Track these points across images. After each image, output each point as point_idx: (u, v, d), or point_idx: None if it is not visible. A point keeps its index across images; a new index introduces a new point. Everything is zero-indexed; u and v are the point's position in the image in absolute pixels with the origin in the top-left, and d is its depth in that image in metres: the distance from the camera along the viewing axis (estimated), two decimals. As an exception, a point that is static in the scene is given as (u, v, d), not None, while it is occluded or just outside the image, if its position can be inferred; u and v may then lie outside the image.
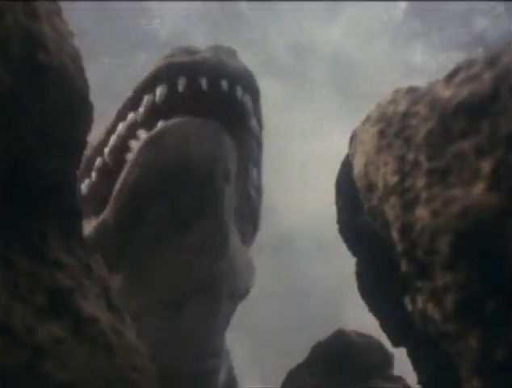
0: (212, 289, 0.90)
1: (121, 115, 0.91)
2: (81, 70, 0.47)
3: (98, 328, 0.41)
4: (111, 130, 0.92)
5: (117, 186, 0.83)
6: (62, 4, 0.47)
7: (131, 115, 0.89)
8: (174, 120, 0.81)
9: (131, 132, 0.88)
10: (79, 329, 0.40)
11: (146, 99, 0.87)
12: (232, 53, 0.92)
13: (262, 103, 0.95)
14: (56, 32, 0.43)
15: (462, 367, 0.43)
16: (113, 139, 0.91)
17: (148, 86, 0.88)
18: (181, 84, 0.86)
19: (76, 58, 0.46)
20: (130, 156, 0.84)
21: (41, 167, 0.44)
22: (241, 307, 1.01)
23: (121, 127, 0.90)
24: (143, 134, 0.85)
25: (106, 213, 0.85)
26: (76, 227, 0.49)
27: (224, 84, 0.86)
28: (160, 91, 0.86)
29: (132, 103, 0.90)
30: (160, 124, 0.82)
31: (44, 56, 0.40)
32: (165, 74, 0.87)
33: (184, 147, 0.79)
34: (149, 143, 0.81)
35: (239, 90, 0.88)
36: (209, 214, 0.85)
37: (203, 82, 0.86)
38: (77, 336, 0.39)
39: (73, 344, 0.38)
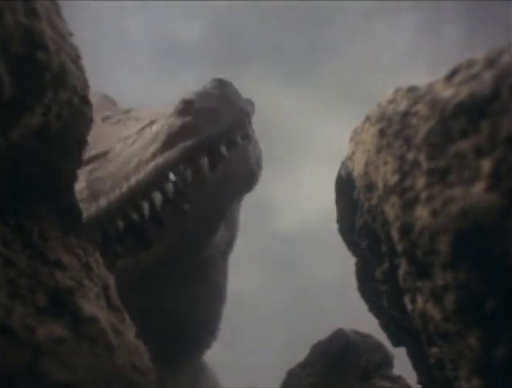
0: None
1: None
2: (81, 70, 0.47)
3: (98, 328, 0.41)
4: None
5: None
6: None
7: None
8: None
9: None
10: (79, 329, 0.40)
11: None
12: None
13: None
14: (55, 32, 0.43)
15: (462, 366, 0.43)
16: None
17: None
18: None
19: (76, 58, 0.46)
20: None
21: (41, 167, 0.44)
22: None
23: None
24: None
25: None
26: (76, 227, 0.49)
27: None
28: None
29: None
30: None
31: (43, 55, 0.40)
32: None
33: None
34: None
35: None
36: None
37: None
38: (77, 336, 0.39)
39: (73, 344, 0.38)
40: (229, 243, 1.03)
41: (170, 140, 0.86)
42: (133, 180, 0.85)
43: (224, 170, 0.88)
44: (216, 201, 0.92)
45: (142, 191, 0.84)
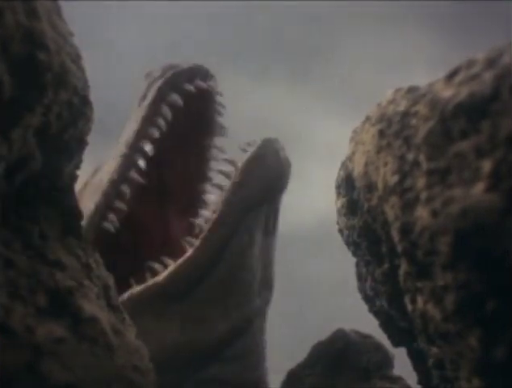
0: None
1: None
2: (82, 70, 0.47)
3: (98, 328, 0.41)
4: None
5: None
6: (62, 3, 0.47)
7: None
8: (266, 140, 0.88)
9: None
10: (79, 329, 0.40)
11: None
12: None
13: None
14: (56, 31, 0.43)
15: (462, 367, 0.43)
16: None
17: None
18: None
19: (76, 57, 0.46)
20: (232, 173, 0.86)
21: (41, 167, 0.44)
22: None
23: None
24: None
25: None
26: (76, 227, 0.49)
27: None
28: None
29: None
30: (255, 144, 0.87)
31: (44, 56, 0.40)
32: None
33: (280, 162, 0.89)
34: (255, 160, 0.86)
35: None
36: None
37: None
38: (77, 336, 0.39)
39: (73, 344, 0.38)
40: None
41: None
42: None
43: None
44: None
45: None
